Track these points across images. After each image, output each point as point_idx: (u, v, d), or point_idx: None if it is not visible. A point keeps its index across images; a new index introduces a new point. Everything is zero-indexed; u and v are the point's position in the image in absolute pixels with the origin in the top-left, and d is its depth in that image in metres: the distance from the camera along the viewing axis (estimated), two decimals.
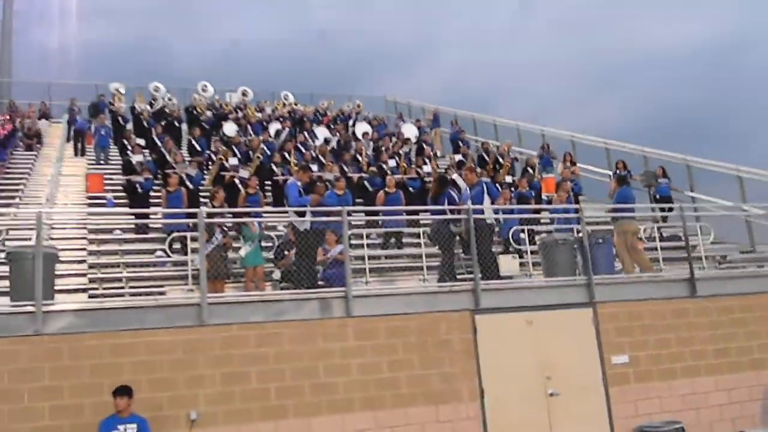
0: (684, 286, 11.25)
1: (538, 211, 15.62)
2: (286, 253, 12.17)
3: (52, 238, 13.05)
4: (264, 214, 13.80)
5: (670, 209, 17.05)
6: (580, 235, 11.25)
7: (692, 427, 10.22)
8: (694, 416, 10.48)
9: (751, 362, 11.11)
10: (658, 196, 17.91)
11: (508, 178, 18.58)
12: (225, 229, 12.00)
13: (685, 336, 10.91)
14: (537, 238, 12.76)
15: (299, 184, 11.74)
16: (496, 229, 12.28)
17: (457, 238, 11.54)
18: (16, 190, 16.61)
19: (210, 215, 11.04)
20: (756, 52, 72.48)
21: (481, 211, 11.14)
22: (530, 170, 19.32)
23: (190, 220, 11.86)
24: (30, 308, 8.10)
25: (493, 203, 11.64)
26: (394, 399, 9.20)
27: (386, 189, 15.12)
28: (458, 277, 11.43)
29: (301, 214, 11.09)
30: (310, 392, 8.87)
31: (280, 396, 8.74)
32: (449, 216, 11.26)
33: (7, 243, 12.46)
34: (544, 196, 17.57)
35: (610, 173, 19.48)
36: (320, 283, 10.98)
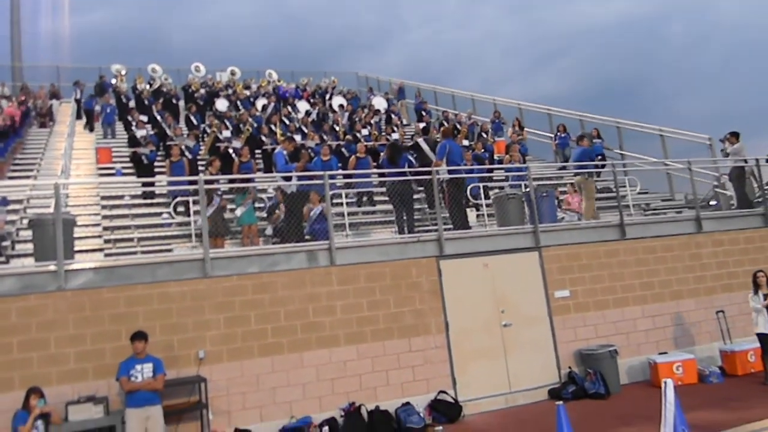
0: (615, 231, 11.44)
1: (491, 170, 15.69)
2: (276, 211, 12.13)
3: (68, 205, 12.86)
4: (256, 179, 13.66)
5: (604, 165, 17.22)
6: (528, 189, 11.36)
7: (623, 349, 10.51)
8: (625, 340, 10.77)
9: (671, 293, 11.41)
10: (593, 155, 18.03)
11: (465, 142, 18.59)
12: (220, 193, 11.88)
13: (616, 272, 11.14)
14: (491, 193, 12.84)
15: (285, 152, 11.64)
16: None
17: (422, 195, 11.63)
18: (34, 164, 16.24)
19: (208, 182, 10.92)
20: (675, 24, 72.98)
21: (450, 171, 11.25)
22: (484, 135, 19.36)
23: (192, 186, 11.74)
24: (53, 267, 8.02)
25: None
26: (373, 334, 9.33)
27: (357, 154, 15.02)
28: (425, 228, 11.51)
29: (288, 179, 11.04)
30: (301, 330, 8.97)
31: (276, 335, 8.82)
32: (410, 178, 11.29)
33: (28, 210, 12.32)
34: (496, 157, 17.63)
35: (552, 135, 19.61)
36: (307, 237, 10.99)
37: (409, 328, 9.57)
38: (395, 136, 18.35)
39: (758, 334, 9.83)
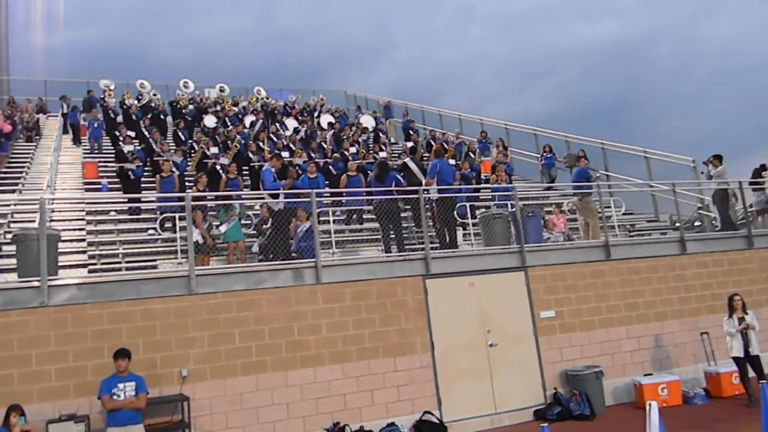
0: (600, 251, 11.50)
1: (478, 190, 15.76)
2: (263, 227, 12.06)
3: (53, 220, 12.75)
4: (243, 196, 13.62)
5: (589, 186, 17.30)
6: (514, 209, 11.41)
7: (608, 370, 10.53)
8: (610, 360, 10.79)
9: (656, 314, 11.45)
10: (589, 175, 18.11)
11: (452, 161, 18.65)
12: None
13: (601, 293, 11.18)
14: (477, 212, 12.89)
15: (273, 169, 11.64)
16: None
17: (409, 213, 11.65)
18: (19, 178, 16.10)
19: (197, 198, 10.88)
20: (660, 47, 74.25)
21: (438, 190, 11.29)
22: (471, 154, 19.45)
23: (181, 203, 11.67)
24: (36, 283, 7.94)
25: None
26: (358, 353, 9.29)
27: (348, 173, 15.03)
28: (411, 247, 11.50)
29: (275, 197, 11.04)
30: (286, 349, 8.91)
31: (260, 353, 8.76)
32: (396, 196, 11.28)
33: (12, 225, 12.19)
34: (483, 177, 17.71)
35: (538, 156, 19.77)
36: (293, 255, 10.95)
37: (395, 348, 9.53)
38: (383, 154, 18.40)
39: (734, 358, 9.88)
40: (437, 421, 9.33)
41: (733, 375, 10.49)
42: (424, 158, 18.11)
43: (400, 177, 12.25)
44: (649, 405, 6.14)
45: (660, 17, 75.82)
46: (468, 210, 13.03)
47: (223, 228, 11.80)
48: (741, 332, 9.74)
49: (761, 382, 7.62)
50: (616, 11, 77.23)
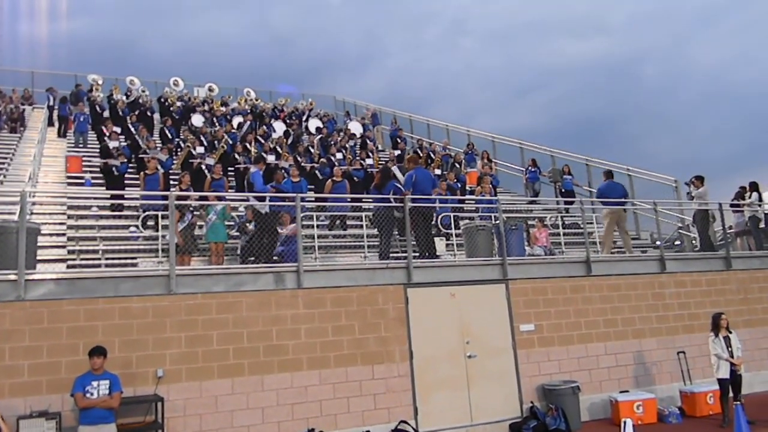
0: (581, 267, 11.54)
1: (462, 201, 15.79)
2: (246, 225, 11.96)
3: (34, 213, 12.57)
4: (228, 198, 13.52)
5: (572, 201, 17.46)
6: (498, 222, 11.43)
7: (585, 385, 10.53)
8: (587, 376, 10.81)
9: (634, 332, 11.51)
10: (563, 190, 18.29)
11: (438, 171, 18.70)
12: (191, 209, 11.72)
13: (581, 308, 11.21)
14: (461, 223, 12.90)
15: (261, 172, 11.58)
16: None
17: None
18: (0, 169, 15.87)
19: (180, 198, 10.79)
20: (649, 66, 75.18)
21: (419, 199, 11.21)
22: (457, 165, 19.52)
23: (164, 202, 11.57)
24: (13, 277, 7.81)
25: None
26: (336, 359, 9.23)
27: (333, 178, 15.00)
28: (394, 256, 11.47)
29: (262, 199, 10.99)
30: (263, 353, 8.83)
31: (238, 356, 8.67)
32: (393, 204, 11.22)
33: None
34: (468, 188, 17.77)
35: (523, 169, 19.89)
36: (275, 258, 10.89)
37: (373, 355, 9.48)
38: (369, 161, 18.40)
39: (719, 379, 9.82)
40: (413, 431, 9.29)
41: (708, 395, 10.56)
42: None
43: (399, 185, 12.11)
44: (624, 422, 6.19)
45: (649, 37, 76.73)
46: (452, 220, 13.04)
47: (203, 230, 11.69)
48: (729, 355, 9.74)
49: (735, 403, 7.70)
50: (606, 30, 78.02)
